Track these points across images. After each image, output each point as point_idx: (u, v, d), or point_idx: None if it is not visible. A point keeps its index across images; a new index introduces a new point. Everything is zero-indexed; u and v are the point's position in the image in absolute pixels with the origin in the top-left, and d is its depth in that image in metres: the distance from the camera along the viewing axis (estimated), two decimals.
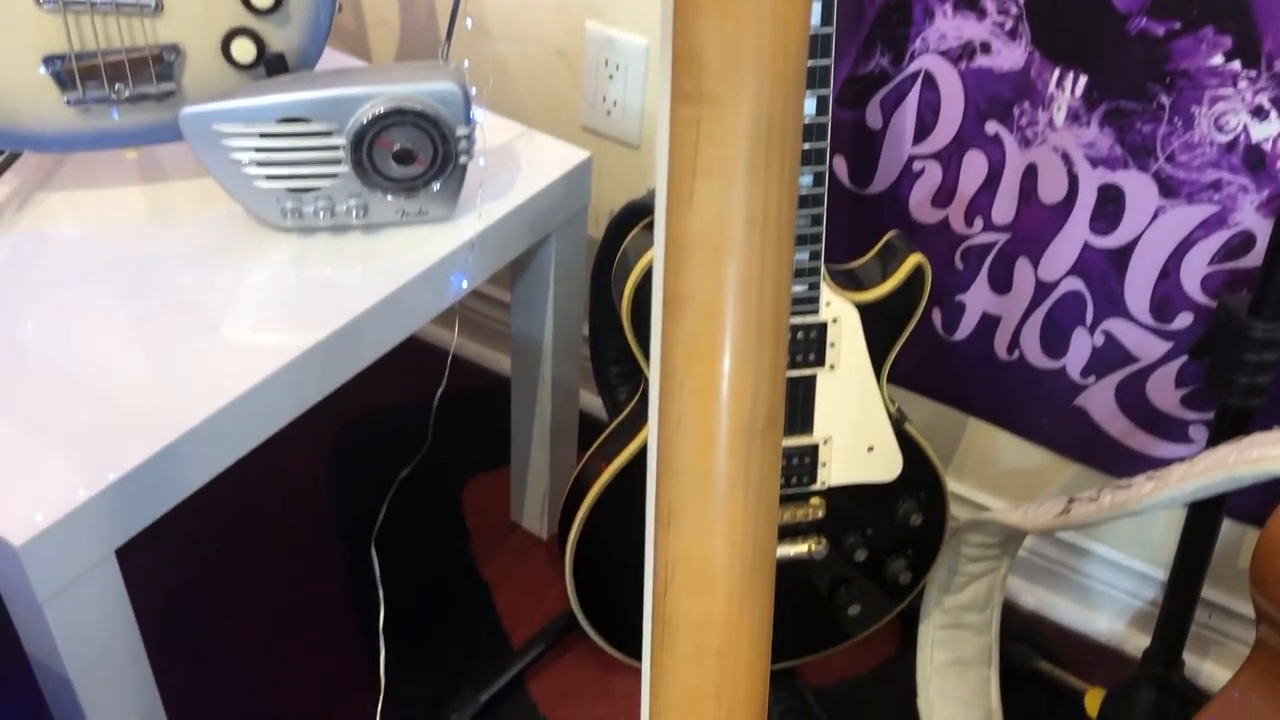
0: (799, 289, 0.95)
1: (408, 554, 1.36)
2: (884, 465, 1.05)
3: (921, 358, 1.27)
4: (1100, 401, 1.19)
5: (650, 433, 0.41)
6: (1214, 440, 0.95)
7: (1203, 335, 0.96)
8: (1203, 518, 1.00)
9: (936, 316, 1.24)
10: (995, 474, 1.30)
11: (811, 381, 0.99)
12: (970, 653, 1.23)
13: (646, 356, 1.01)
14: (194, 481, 0.84)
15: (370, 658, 1.22)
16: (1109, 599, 1.30)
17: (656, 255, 0.37)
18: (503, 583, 1.35)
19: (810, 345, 0.97)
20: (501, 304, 1.55)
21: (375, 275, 0.96)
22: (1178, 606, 1.06)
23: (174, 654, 1.25)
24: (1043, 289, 1.16)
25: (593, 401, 1.50)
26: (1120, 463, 1.20)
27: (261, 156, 0.94)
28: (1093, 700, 1.17)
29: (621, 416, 1.11)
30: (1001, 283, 1.18)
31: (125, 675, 0.86)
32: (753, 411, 0.38)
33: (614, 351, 1.18)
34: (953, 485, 1.32)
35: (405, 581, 1.33)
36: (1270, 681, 0.81)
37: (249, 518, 1.42)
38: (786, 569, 1.07)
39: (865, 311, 0.98)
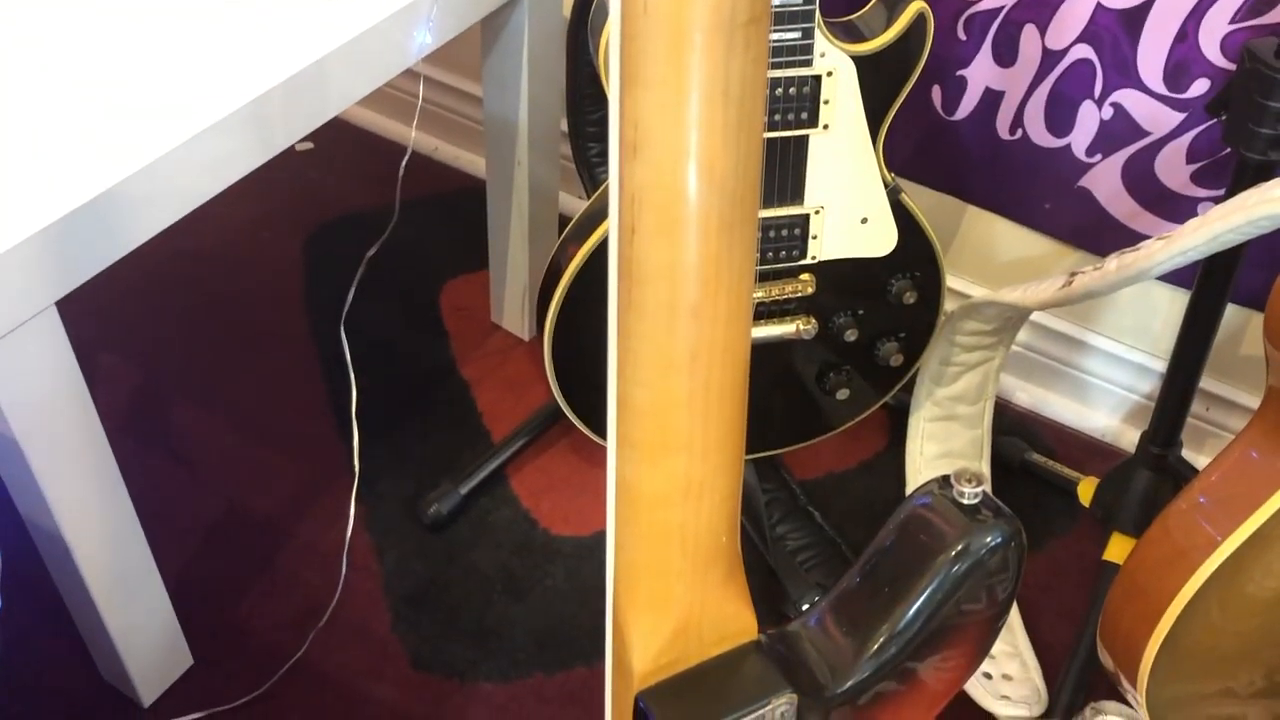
0: (791, 36, 0.87)
1: (384, 352, 1.32)
2: (878, 239, 1.00)
3: (919, 143, 1.21)
4: (1105, 181, 1.13)
5: (610, 40, 0.35)
6: None
7: (1221, 87, 0.90)
8: (1211, 284, 0.96)
9: (936, 95, 1.17)
10: (994, 266, 1.25)
11: (803, 144, 0.93)
12: (961, 446, 1.20)
13: None
14: (144, 229, 0.79)
15: (347, 452, 1.19)
16: (1106, 394, 1.27)
17: None
18: (484, 382, 1.31)
19: (803, 102, 0.91)
20: (476, 99, 1.47)
21: (332, 22, 0.88)
22: (1178, 385, 1.02)
23: (145, 451, 1.22)
24: (1050, 58, 1.09)
25: (573, 205, 1.44)
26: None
27: None
28: (1085, 489, 1.14)
29: (597, 194, 1.05)
30: (1006, 54, 1.11)
31: (74, 436, 0.82)
32: None
33: (593, 127, 1.11)
34: (949, 280, 1.27)
35: (382, 378, 1.29)
36: (1275, 436, 0.77)
37: (220, 315, 1.37)
38: (773, 350, 1.03)
39: (863, 65, 0.91)
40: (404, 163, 1.10)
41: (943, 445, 1.19)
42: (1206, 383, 1.18)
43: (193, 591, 1.08)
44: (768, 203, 0.95)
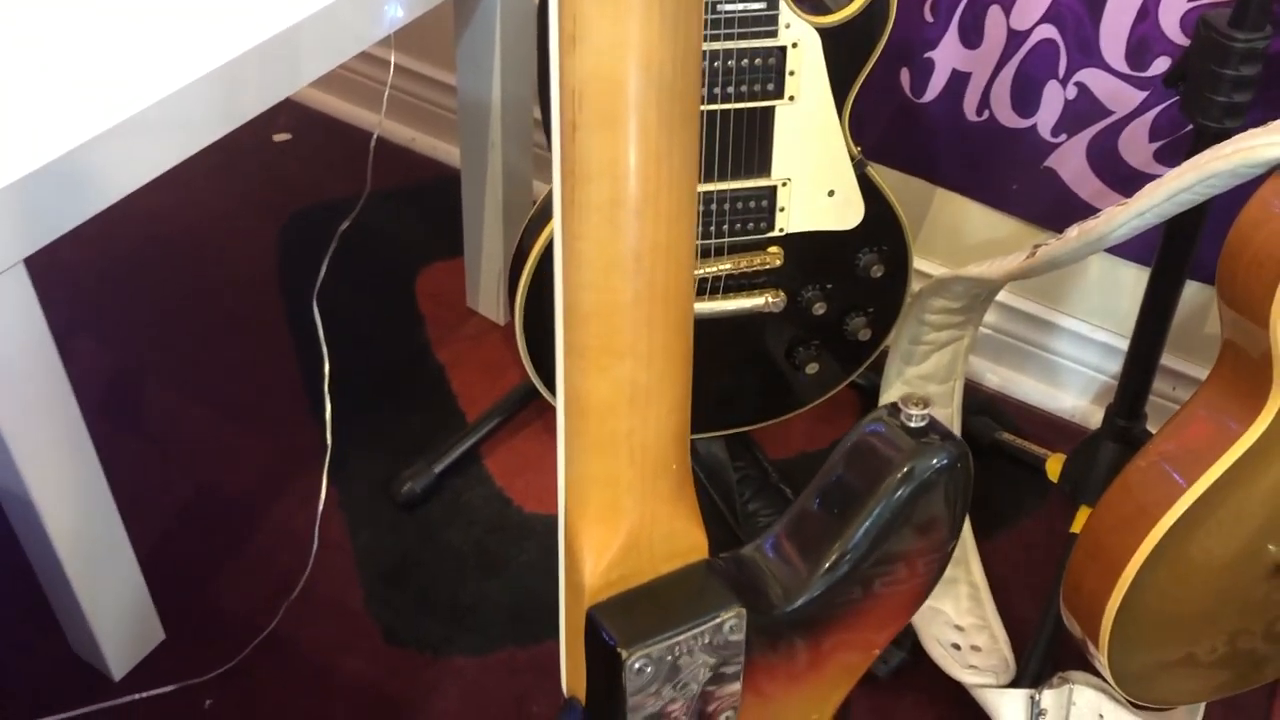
0: (756, 6, 0.89)
1: (360, 336, 1.33)
2: (845, 211, 1.01)
3: (889, 125, 1.22)
4: (1071, 161, 1.15)
5: None
6: None
7: (1178, 59, 0.92)
8: (1171, 253, 0.97)
9: (905, 78, 1.19)
10: (963, 248, 1.27)
11: (770, 115, 0.94)
12: None
13: None
14: (113, 190, 0.79)
15: (321, 433, 1.19)
16: (1074, 375, 1.28)
17: None
18: (459, 365, 1.32)
19: (769, 73, 0.92)
20: (454, 90, 1.48)
21: None
22: (1142, 356, 1.03)
23: (119, 432, 1.22)
24: (1015, 39, 1.11)
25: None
26: None
27: None
28: (1054, 465, 1.16)
29: None
30: (972, 35, 1.13)
31: (42, 394, 0.82)
32: None
33: None
34: (919, 263, 1.29)
35: (358, 362, 1.29)
36: (1230, 392, 0.79)
37: (195, 300, 1.37)
38: (742, 324, 1.04)
39: (827, 37, 0.92)
40: (373, 142, 1.11)
41: None
42: (1173, 361, 1.20)
43: (165, 568, 1.08)
44: (735, 174, 0.96)
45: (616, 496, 0.46)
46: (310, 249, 1.39)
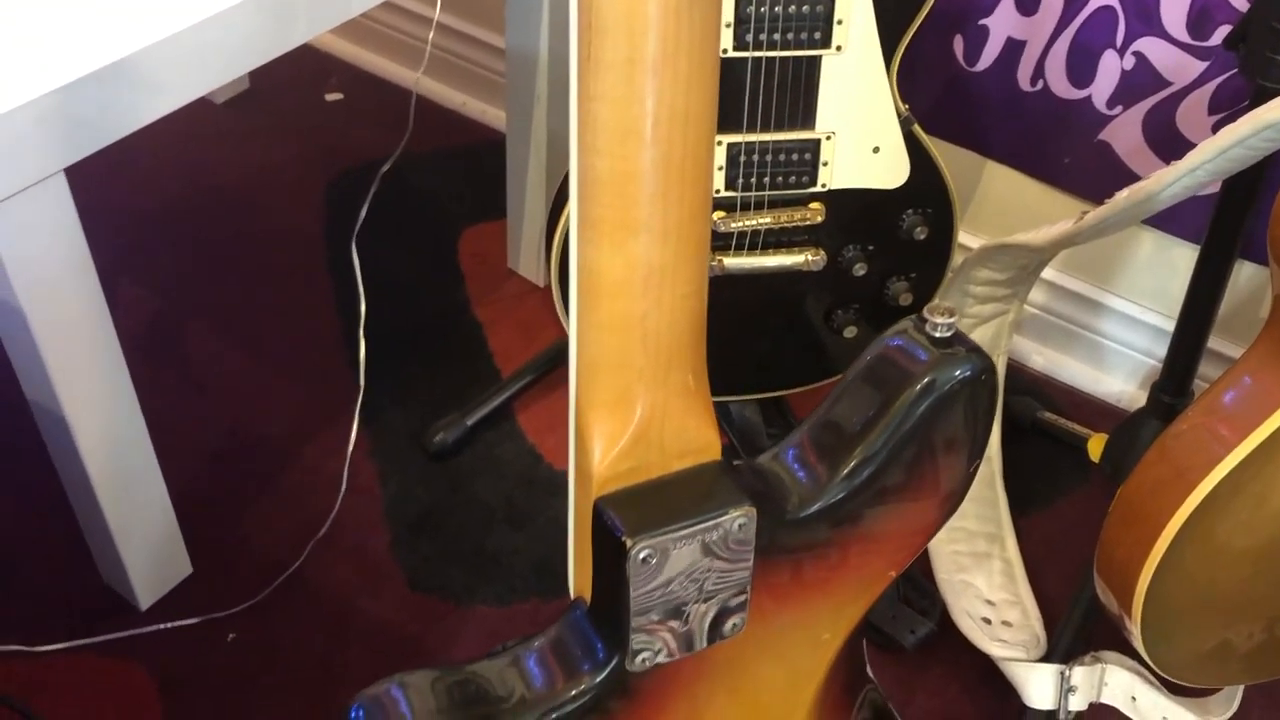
0: None
1: (400, 292, 1.33)
2: (890, 170, 0.99)
3: (940, 95, 1.20)
4: (1126, 134, 1.12)
5: None
6: None
7: (1239, 21, 0.89)
8: (1222, 224, 0.95)
9: (958, 46, 1.17)
10: (1012, 224, 1.25)
11: (815, 65, 0.93)
12: None
13: None
14: (155, 106, 0.80)
15: (357, 382, 1.20)
16: (1122, 359, 1.25)
17: None
18: (497, 324, 1.32)
19: (815, 20, 0.91)
20: (501, 53, 1.49)
21: None
22: (1191, 331, 1.01)
23: (158, 372, 1.24)
24: (1072, 6, 1.08)
25: None
26: None
27: None
28: (1095, 445, 1.13)
29: None
30: (1028, 1, 1.11)
31: (77, 308, 0.83)
32: None
33: None
34: (967, 237, 1.27)
35: (397, 317, 1.30)
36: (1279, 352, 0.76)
37: (240, 250, 1.39)
38: (781, 283, 1.02)
39: None
40: (413, 94, 1.11)
41: None
42: (1228, 347, 1.17)
43: (196, 503, 1.09)
44: (778, 125, 0.95)
45: (628, 383, 0.45)
46: (356, 204, 1.40)
